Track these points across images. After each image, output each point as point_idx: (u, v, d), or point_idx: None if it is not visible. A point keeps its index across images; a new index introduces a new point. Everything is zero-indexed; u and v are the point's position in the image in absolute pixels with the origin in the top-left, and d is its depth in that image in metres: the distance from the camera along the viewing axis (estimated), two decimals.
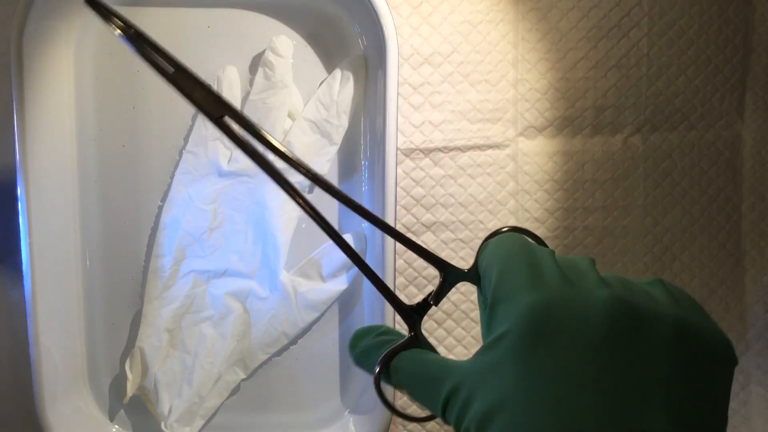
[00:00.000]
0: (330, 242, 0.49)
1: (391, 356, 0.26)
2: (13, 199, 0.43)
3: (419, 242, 0.50)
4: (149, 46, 0.31)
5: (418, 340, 0.27)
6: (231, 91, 0.47)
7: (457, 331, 0.51)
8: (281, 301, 0.48)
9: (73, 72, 0.47)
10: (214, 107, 0.31)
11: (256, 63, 0.48)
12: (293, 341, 0.50)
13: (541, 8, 0.50)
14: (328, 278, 0.49)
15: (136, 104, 0.48)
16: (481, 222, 0.51)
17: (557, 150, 0.51)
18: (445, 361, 0.24)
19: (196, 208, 0.47)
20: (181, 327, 0.48)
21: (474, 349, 0.51)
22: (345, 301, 0.50)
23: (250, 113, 0.47)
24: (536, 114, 0.50)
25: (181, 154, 0.48)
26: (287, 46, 0.47)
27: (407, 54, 0.49)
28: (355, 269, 0.49)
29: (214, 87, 0.46)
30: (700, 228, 0.52)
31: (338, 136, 0.48)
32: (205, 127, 0.47)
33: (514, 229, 0.29)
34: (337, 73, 0.47)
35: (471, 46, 0.49)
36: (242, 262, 0.48)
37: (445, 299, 0.51)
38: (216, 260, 0.48)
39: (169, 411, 0.47)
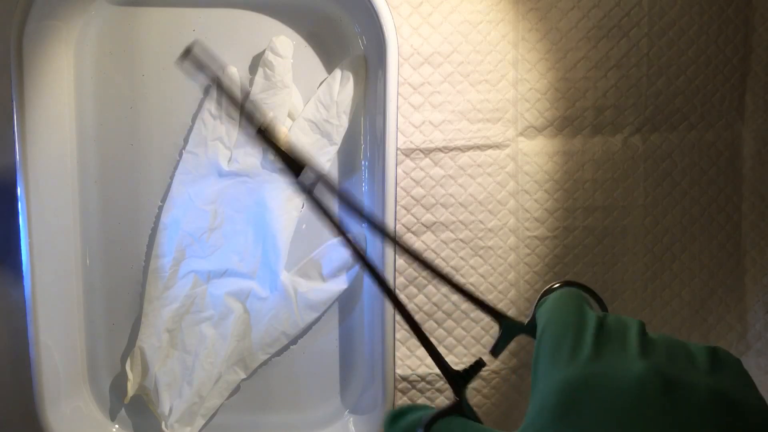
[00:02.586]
0: (330, 242, 0.49)
1: (432, 422, 0.25)
2: (13, 199, 0.43)
3: (420, 242, 0.50)
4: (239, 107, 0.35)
5: (461, 407, 0.26)
6: (231, 92, 0.47)
7: (457, 332, 0.51)
8: (281, 301, 0.48)
9: (73, 72, 0.47)
10: (295, 163, 0.34)
11: (256, 63, 0.48)
12: (293, 341, 0.50)
13: (541, 8, 0.50)
14: (328, 278, 0.49)
15: (135, 104, 0.48)
16: (481, 222, 0.51)
17: (557, 150, 0.51)
18: (487, 430, 0.24)
19: (196, 209, 0.47)
20: (182, 327, 0.48)
21: (474, 350, 0.51)
22: (345, 301, 0.50)
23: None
24: (536, 114, 0.50)
25: (181, 155, 0.48)
26: (287, 46, 0.47)
27: (407, 54, 0.49)
28: (355, 269, 0.49)
29: (215, 87, 0.46)
30: (700, 228, 0.52)
31: (338, 136, 0.48)
32: (205, 127, 0.47)
33: (569, 284, 0.28)
34: (337, 73, 0.47)
35: (471, 46, 0.49)
36: (242, 262, 0.48)
37: (445, 299, 0.51)
38: (216, 260, 0.48)
39: (170, 411, 0.47)
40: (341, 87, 0.47)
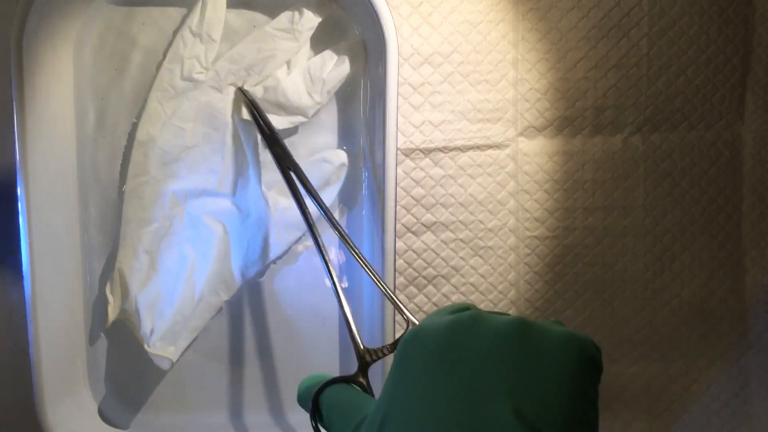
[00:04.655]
0: (310, 159, 0.49)
1: (322, 389, 0.29)
2: (13, 199, 0.43)
3: (420, 242, 0.50)
4: (259, 114, 0.46)
5: (357, 379, 0.31)
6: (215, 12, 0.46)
7: None
8: (261, 220, 0.47)
9: (73, 72, 0.47)
10: (285, 161, 0.44)
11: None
12: (274, 262, 0.50)
13: (541, 8, 0.50)
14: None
15: (135, 104, 0.48)
16: (481, 222, 0.51)
17: (557, 150, 0.51)
18: (368, 397, 0.28)
19: (172, 126, 0.46)
20: (161, 248, 0.47)
21: None
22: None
23: (256, 42, 0.47)
24: (536, 114, 0.50)
25: (158, 69, 0.47)
26: (313, 20, 0.47)
27: (407, 54, 0.49)
28: (339, 184, 0.49)
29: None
30: (700, 228, 0.52)
31: (312, 111, 0.47)
32: (184, 45, 0.46)
33: None
34: (334, 55, 0.47)
35: (471, 46, 0.49)
36: (220, 181, 0.47)
37: (445, 299, 0.51)
38: (194, 179, 0.47)
39: (152, 331, 0.46)
40: (334, 67, 0.47)
